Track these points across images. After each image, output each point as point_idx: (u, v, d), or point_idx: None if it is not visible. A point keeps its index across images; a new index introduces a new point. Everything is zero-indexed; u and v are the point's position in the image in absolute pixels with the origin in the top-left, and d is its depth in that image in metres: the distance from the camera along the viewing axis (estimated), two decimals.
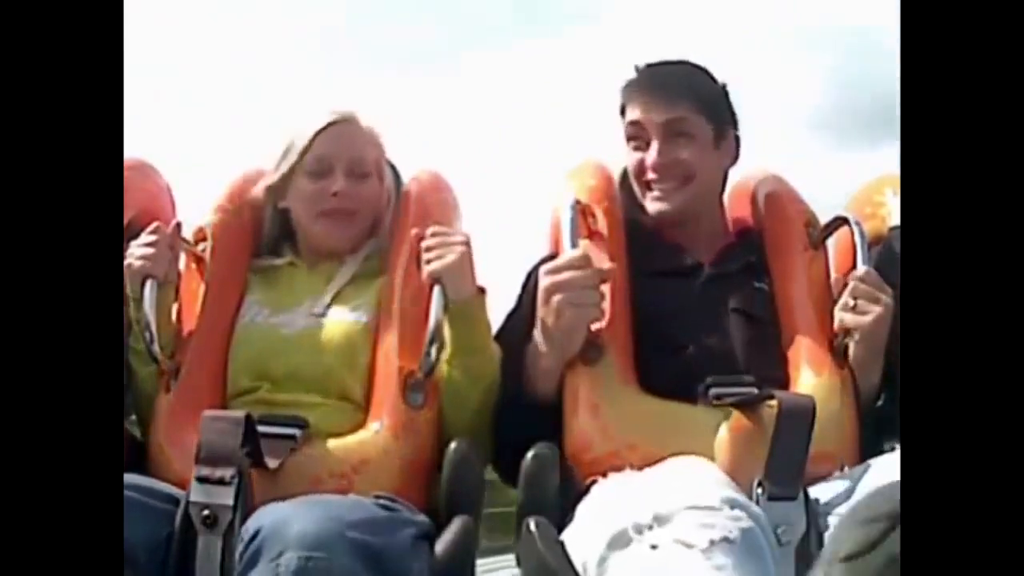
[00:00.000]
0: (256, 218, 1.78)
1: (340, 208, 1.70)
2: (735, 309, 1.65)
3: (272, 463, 1.43)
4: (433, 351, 1.52)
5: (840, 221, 1.69)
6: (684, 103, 1.68)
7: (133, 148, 1.65)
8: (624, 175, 1.77)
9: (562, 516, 1.43)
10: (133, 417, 1.69)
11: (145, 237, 1.62)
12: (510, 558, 1.50)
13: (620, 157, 1.76)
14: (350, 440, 1.51)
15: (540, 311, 1.50)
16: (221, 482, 1.32)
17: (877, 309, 1.52)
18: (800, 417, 1.38)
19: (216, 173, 1.94)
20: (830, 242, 1.74)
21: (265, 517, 1.25)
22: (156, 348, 1.57)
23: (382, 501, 1.39)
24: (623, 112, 1.72)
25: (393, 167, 1.82)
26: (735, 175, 1.81)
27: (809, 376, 1.56)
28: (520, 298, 1.72)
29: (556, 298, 1.46)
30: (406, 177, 1.81)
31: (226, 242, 1.74)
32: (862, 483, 1.37)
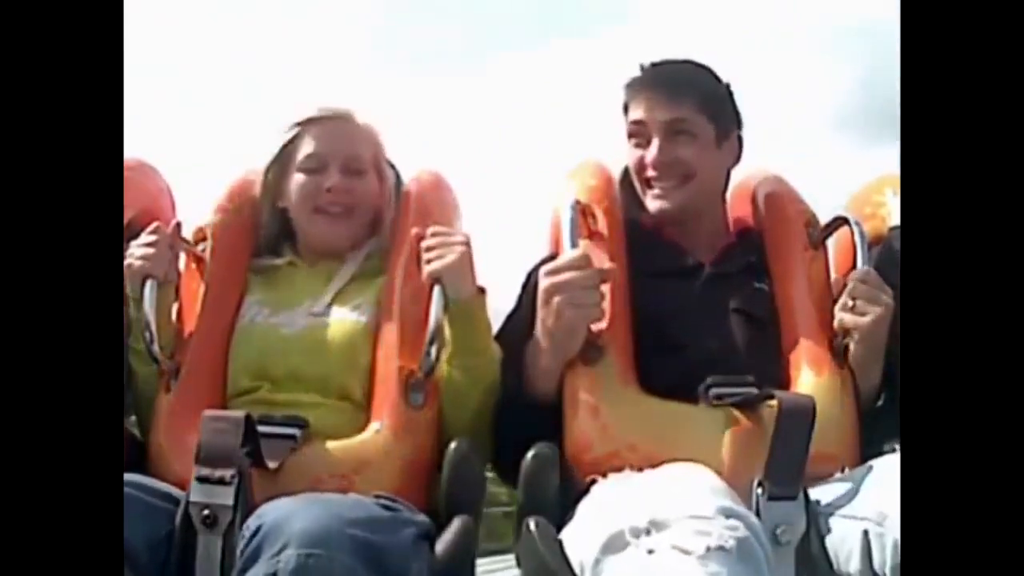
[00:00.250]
0: (256, 218, 1.79)
1: (335, 204, 1.70)
2: (735, 309, 1.66)
3: (272, 463, 1.43)
4: (433, 351, 1.52)
5: (840, 221, 1.69)
6: (687, 102, 1.68)
7: (133, 148, 1.65)
8: (625, 175, 1.78)
9: (562, 516, 1.43)
10: (133, 417, 1.70)
11: (145, 237, 1.62)
12: (510, 558, 1.50)
13: (620, 157, 1.77)
14: (350, 440, 1.51)
15: (540, 311, 1.50)
16: (221, 482, 1.32)
17: (877, 309, 1.52)
18: (800, 417, 1.38)
19: (216, 173, 1.95)
20: (830, 242, 1.74)
21: (267, 514, 1.25)
22: (156, 348, 1.57)
23: (382, 501, 1.39)
24: (626, 110, 1.73)
25: (393, 167, 1.82)
26: (737, 175, 1.81)
27: (809, 376, 1.56)
28: (520, 298, 1.72)
29: (556, 298, 1.47)
30: (406, 177, 1.81)
31: (226, 242, 1.75)
32: (863, 484, 1.38)
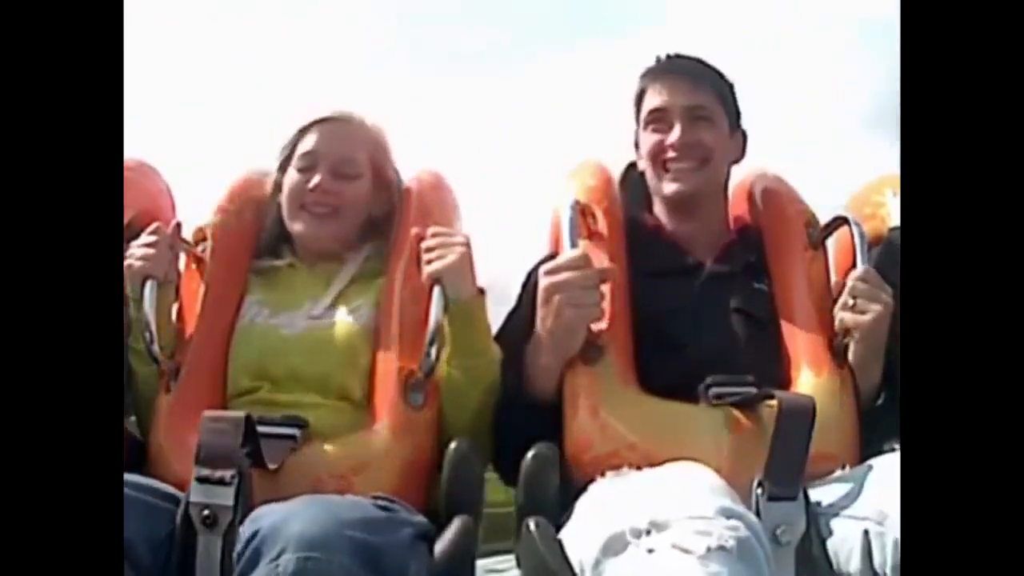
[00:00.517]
0: (256, 219, 1.79)
1: (318, 204, 1.70)
2: (735, 309, 1.66)
3: (272, 463, 1.43)
4: (433, 351, 1.52)
5: (840, 221, 1.70)
6: (707, 90, 1.73)
7: (133, 148, 1.65)
8: (625, 174, 1.78)
9: (562, 516, 1.43)
10: (133, 417, 1.70)
11: (145, 237, 1.62)
12: (510, 558, 1.50)
13: (620, 157, 1.77)
14: (350, 440, 1.51)
15: (540, 311, 1.50)
16: (221, 482, 1.32)
17: (877, 308, 1.52)
18: (800, 417, 1.38)
19: (216, 173, 1.95)
20: (830, 242, 1.74)
21: (263, 518, 1.25)
22: (156, 348, 1.57)
23: (381, 501, 1.39)
24: (640, 100, 1.74)
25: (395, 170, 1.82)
26: (737, 175, 1.82)
27: (809, 376, 1.56)
28: (520, 298, 1.72)
29: (556, 298, 1.47)
30: (406, 177, 1.81)
31: (226, 243, 1.75)
32: (863, 484, 1.38)
